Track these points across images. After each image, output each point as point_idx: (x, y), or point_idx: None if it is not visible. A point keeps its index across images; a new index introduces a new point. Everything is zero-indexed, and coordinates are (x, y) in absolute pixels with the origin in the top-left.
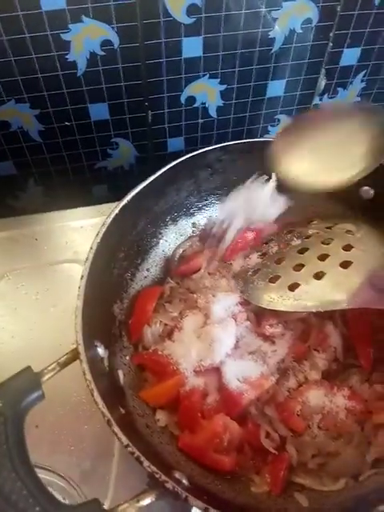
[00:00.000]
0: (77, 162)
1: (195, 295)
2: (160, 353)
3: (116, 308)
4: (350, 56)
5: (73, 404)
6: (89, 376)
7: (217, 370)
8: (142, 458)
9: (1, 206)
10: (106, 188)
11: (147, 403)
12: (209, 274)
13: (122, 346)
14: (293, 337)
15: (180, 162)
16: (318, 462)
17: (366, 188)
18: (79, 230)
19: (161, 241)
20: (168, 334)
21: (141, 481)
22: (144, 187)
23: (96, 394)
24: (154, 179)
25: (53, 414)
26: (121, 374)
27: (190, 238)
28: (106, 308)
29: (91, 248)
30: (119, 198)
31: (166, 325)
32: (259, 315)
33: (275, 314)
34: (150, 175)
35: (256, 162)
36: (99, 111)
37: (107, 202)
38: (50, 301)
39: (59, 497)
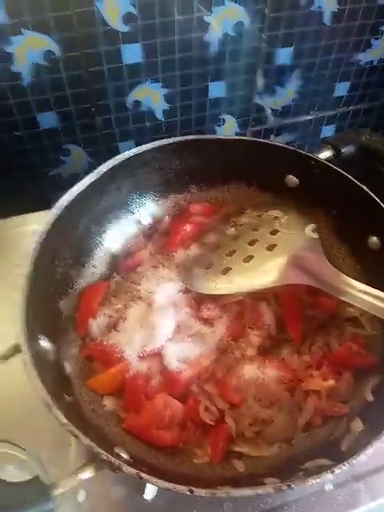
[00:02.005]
0: (31, 171)
1: (139, 286)
2: (105, 343)
3: (62, 304)
4: (284, 55)
5: (30, 399)
6: (29, 365)
7: (159, 355)
8: (79, 434)
9: None
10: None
11: (95, 390)
12: (152, 266)
13: (70, 340)
14: (230, 318)
15: (117, 163)
16: (255, 430)
17: (290, 177)
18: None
19: (105, 238)
20: (113, 325)
21: None
22: (83, 188)
23: (36, 381)
24: (92, 180)
25: (9, 410)
26: (68, 365)
27: (134, 234)
28: (52, 304)
29: (33, 249)
30: None
31: (110, 316)
32: (199, 300)
33: (213, 298)
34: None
35: (188, 158)
36: (48, 119)
37: None
38: (3, 305)
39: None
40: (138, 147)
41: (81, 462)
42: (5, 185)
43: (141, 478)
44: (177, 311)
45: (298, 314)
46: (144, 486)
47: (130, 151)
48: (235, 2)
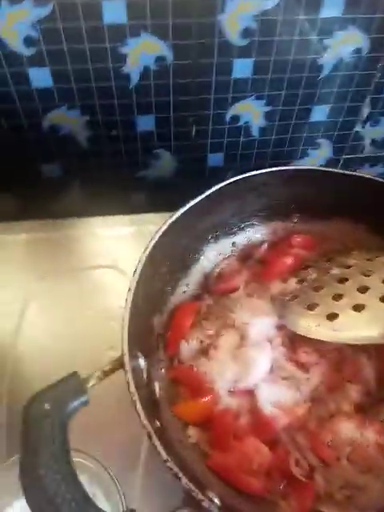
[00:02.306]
0: (119, 170)
1: (232, 314)
2: (195, 369)
3: (155, 320)
4: None
5: (103, 410)
6: (132, 387)
7: (250, 393)
8: (180, 475)
9: (42, 208)
10: (144, 197)
11: (180, 418)
12: (247, 294)
13: (159, 359)
14: (327, 366)
15: (227, 184)
16: (346, 493)
17: None
18: (115, 237)
19: (201, 257)
20: (204, 352)
21: (165, 497)
22: (191, 206)
23: (139, 406)
24: (202, 199)
25: (82, 421)
26: (157, 386)
27: (228, 256)
28: (147, 320)
29: (139, 261)
30: (156, 208)
31: (201, 342)
32: (294, 341)
33: (310, 341)
34: (188, 187)
35: (298, 187)
36: (146, 122)
37: (144, 212)
38: (86, 304)
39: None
40: (252, 171)
41: (150, 482)
42: (92, 181)
43: None
44: (272, 349)
45: None
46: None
47: (242, 175)
48: (358, 28)
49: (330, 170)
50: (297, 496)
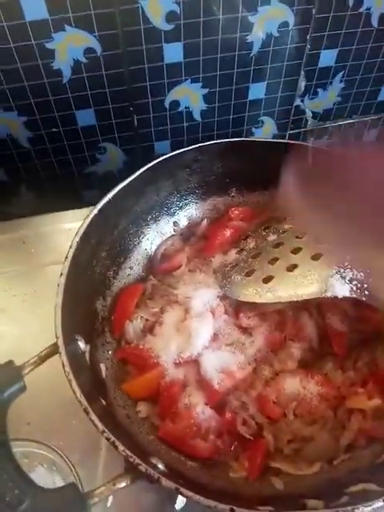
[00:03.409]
0: (66, 168)
1: (176, 291)
2: (141, 347)
3: (99, 305)
4: (328, 57)
5: (62, 401)
6: (67, 367)
7: (196, 362)
8: (117, 443)
9: None
10: (97, 193)
11: (129, 395)
12: (189, 270)
13: (105, 342)
14: (269, 328)
15: (158, 163)
16: (294, 447)
17: None
18: (68, 232)
19: (143, 240)
20: (149, 329)
21: None
22: (123, 188)
23: (74, 383)
24: (133, 180)
25: (42, 412)
26: (103, 367)
27: (171, 236)
28: (89, 305)
29: (70, 246)
30: None
31: (147, 320)
32: (237, 308)
33: (252, 306)
34: None
35: (230, 161)
36: (86, 117)
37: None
38: (38, 302)
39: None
40: (180, 149)
41: (112, 467)
42: (40, 182)
43: (180, 493)
44: (214, 318)
45: (342, 327)
46: (174, 495)
47: (172, 153)
48: (281, 2)
49: (256, 139)
50: (247, 455)
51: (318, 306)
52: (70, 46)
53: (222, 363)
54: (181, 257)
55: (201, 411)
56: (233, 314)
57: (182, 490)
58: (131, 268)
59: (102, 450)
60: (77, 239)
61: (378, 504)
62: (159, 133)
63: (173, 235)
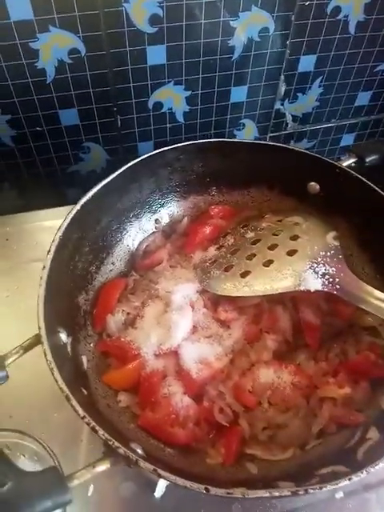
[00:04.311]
0: (50, 166)
1: (157, 286)
2: (123, 339)
3: (81, 299)
4: (307, 63)
5: (44, 394)
6: (49, 356)
7: (175, 354)
8: (97, 428)
9: None
10: (81, 192)
11: (110, 386)
12: (170, 266)
13: (87, 335)
14: (246, 321)
15: (140, 161)
16: (268, 434)
17: (312, 183)
18: (50, 229)
19: (125, 236)
20: (130, 322)
21: None
22: (105, 185)
23: (56, 372)
24: (115, 177)
25: (25, 405)
26: (85, 359)
27: (153, 233)
28: (71, 298)
29: (53, 240)
30: None
31: (128, 314)
32: (216, 302)
33: (230, 300)
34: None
35: (211, 161)
36: (69, 117)
37: None
38: (20, 298)
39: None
40: (162, 148)
41: (93, 457)
42: (24, 180)
43: (158, 474)
44: (194, 312)
45: (315, 320)
46: (153, 484)
47: (154, 151)
48: (262, 9)
49: (236, 140)
50: (224, 442)
51: (292, 300)
52: (55, 47)
53: (201, 354)
54: (162, 253)
55: (180, 400)
56: (211, 307)
57: (160, 471)
58: (113, 263)
59: (82, 441)
60: (59, 234)
61: (345, 483)
62: (142, 133)
63: (154, 232)
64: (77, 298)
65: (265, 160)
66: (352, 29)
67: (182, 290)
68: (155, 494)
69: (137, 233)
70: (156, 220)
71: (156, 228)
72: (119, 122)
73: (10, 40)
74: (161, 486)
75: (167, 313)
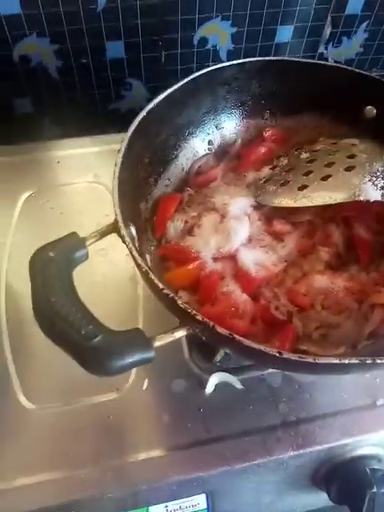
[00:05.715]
0: (91, 103)
1: (213, 199)
2: (182, 244)
3: (142, 205)
4: (355, 5)
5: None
6: (127, 238)
7: (233, 258)
8: (176, 297)
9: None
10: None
11: (170, 284)
12: (225, 183)
13: (147, 238)
14: (300, 235)
15: (200, 75)
16: (321, 332)
17: (369, 107)
18: (97, 154)
19: (180, 155)
20: (188, 231)
21: None
22: (167, 96)
23: (134, 252)
24: (177, 88)
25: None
26: (148, 258)
27: (205, 155)
28: (135, 204)
29: (122, 140)
30: None
31: (186, 222)
32: (270, 217)
33: (284, 214)
34: None
35: (267, 82)
36: (115, 49)
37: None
38: (75, 216)
39: None
40: (222, 63)
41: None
42: (65, 120)
43: (232, 338)
44: (250, 223)
45: (367, 236)
46: (204, 382)
47: (213, 66)
48: None
49: (299, 59)
50: (279, 337)
51: (344, 220)
52: None
53: (257, 259)
54: (216, 171)
55: (238, 295)
56: (265, 221)
57: (235, 335)
58: (169, 179)
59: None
60: (128, 134)
61: None
62: (184, 71)
63: (207, 154)
64: (139, 205)
65: (322, 82)
66: None
67: (238, 202)
68: (206, 390)
69: (191, 152)
70: (209, 141)
71: (209, 149)
72: (163, 58)
73: None
74: (211, 383)
75: (224, 222)
